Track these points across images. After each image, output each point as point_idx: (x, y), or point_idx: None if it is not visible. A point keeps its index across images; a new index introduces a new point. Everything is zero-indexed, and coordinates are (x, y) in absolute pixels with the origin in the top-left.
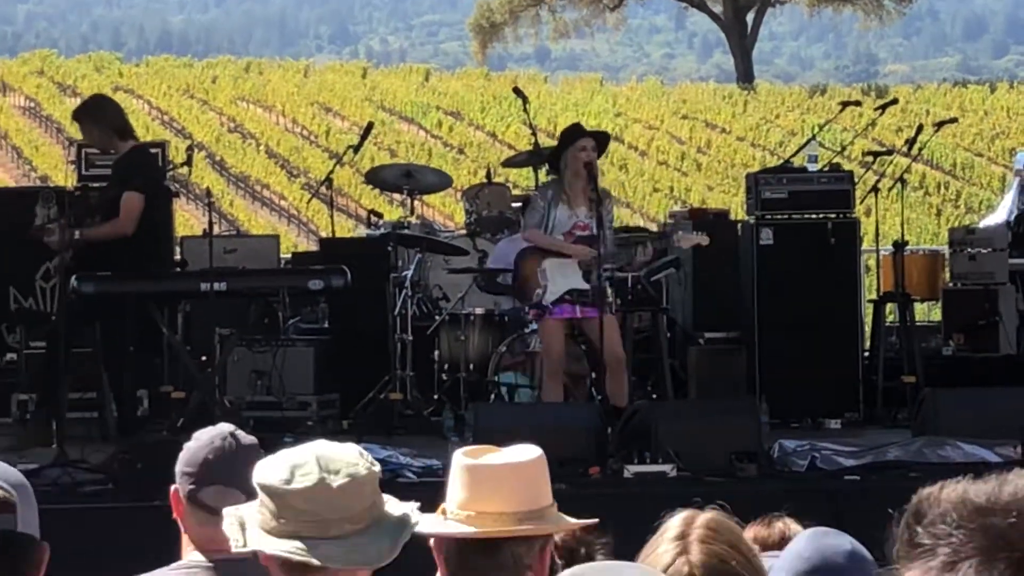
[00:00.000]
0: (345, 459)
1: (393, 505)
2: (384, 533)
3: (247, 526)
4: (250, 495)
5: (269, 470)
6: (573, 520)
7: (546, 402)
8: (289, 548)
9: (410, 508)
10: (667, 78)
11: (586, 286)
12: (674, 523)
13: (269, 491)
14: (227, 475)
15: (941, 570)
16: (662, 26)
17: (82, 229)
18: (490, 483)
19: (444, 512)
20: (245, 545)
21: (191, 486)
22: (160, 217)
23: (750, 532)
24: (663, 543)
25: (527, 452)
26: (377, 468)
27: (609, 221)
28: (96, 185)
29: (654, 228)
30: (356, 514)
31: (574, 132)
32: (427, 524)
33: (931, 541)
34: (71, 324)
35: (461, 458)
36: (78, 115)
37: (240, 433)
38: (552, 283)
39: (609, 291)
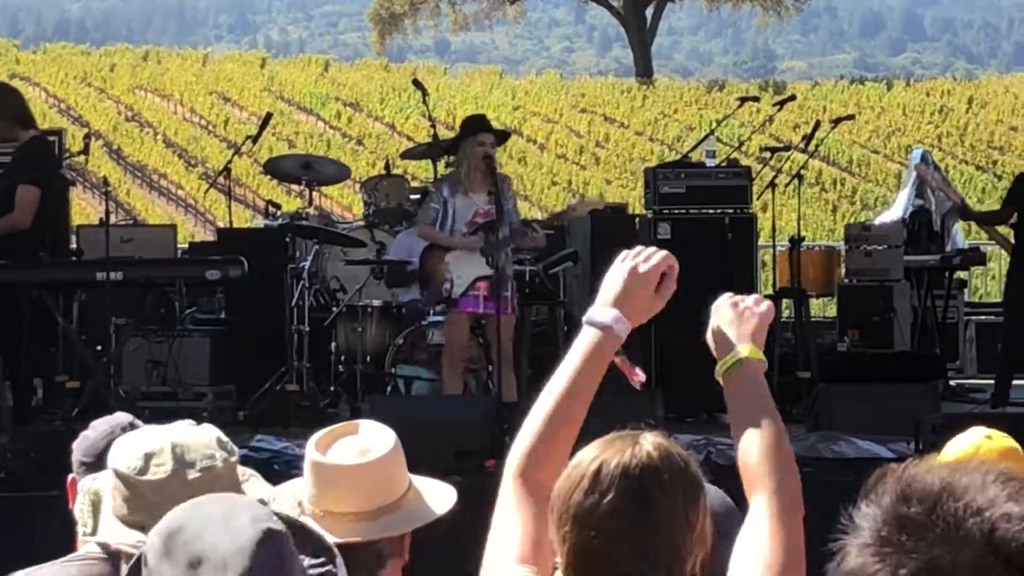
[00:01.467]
0: (202, 450)
1: (254, 489)
2: None
3: (101, 509)
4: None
5: (124, 454)
6: (431, 506)
7: (442, 395)
8: (134, 542)
9: (270, 495)
10: (566, 72)
11: (489, 271)
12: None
13: (122, 479)
14: None
15: (860, 550)
16: (562, 20)
17: None
18: (339, 483)
19: (300, 506)
20: (94, 534)
21: (89, 476)
22: (54, 207)
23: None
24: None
25: (379, 443)
26: (235, 457)
27: (510, 201)
28: None
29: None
30: None
31: (476, 124)
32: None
33: (859, 520)
34: None
35: (312, 451)
36: None
37: (138, 423)
38: (457, 276)
39: (511, 285)
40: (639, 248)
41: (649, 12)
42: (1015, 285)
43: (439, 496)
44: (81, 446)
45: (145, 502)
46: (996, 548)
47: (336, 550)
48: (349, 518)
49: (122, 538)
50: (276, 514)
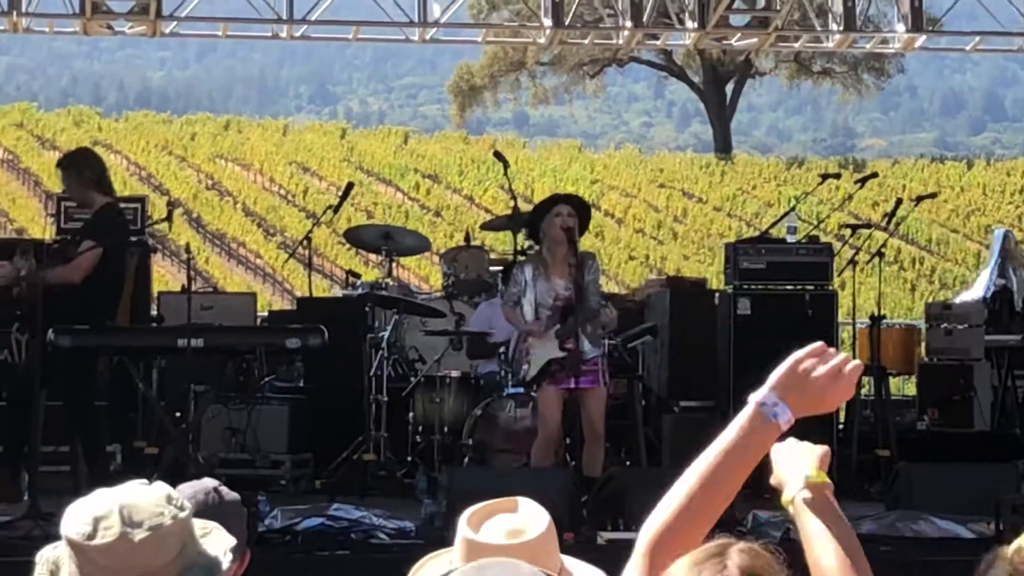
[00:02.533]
0: (150, 509)
1: (215, 541)
2: None
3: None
4: (232, 551)
5: (73, 521)
6: None
7: (520, 467)
8: None
9: (223, 549)
10: (645, 146)
11: (560, 355)
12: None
13: (72, 545)
14: None
15: None
16: (641, 94)
17: (31, 271)
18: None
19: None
20: None
21: (49, 545)
22: (120, 274)
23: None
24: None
25: (532, 524)
26: (185, 513)
27: (593, 281)
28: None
29: (626, 293)
30: (159, 568)
31: (550, 200)
32: None
33: None
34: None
35: (464, 526)
36: (62, 164)
37: (223, 488)
38: (534, 358)
39: (600, 359)
40: (818, 346)
41: (729, 88)
42: None
43: None
44: None
45: (97, 567)
46: None
47: None
48: None
49: None
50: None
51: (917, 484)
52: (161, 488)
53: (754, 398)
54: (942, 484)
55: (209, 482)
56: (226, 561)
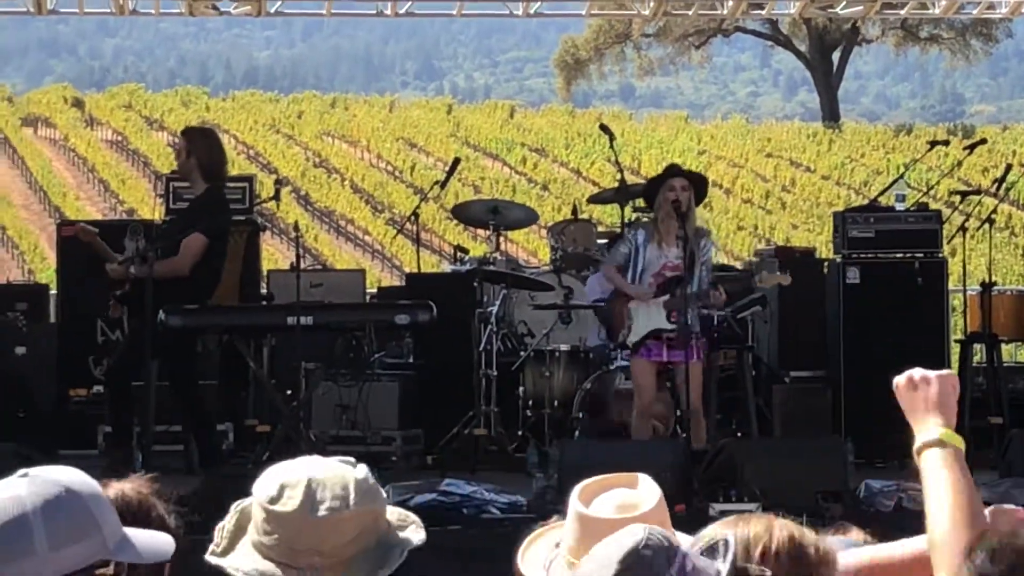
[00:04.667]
0: (336, 490)
1: (411, 533)
2: (356, 572)
3: (246, 532)
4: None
5: (265, 481)
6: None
7: (631, 439)
8: (248, 569)
9: (408, 540)
10: (752, 116)
11: (669, 326)
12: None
13: (258, 505)
14: None
15: None
16: (747, 64)
17: (139, 267)
18: (596, 535)
19: (557, 547)
20: (224, 555)
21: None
22: (220, 256)
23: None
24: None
25: (643, 499)
26: (375, 505)
27: (705, 260)
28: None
29: (739, 266)
30: (329, 549)
31: (667, 171)
32: (534, 561)
33: None
34: (141, 358)
35: (575, 500)
36: (185, 132)
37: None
38: (636, 323)
39: (696, 332)
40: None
41: (835, 56)
42: None
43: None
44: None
45: (271, 531)
46: None
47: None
48: None
49: (242, 563)
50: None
51: None
52: (361, 472)
53: (926, 441)
54: None
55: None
56: (400, 558)
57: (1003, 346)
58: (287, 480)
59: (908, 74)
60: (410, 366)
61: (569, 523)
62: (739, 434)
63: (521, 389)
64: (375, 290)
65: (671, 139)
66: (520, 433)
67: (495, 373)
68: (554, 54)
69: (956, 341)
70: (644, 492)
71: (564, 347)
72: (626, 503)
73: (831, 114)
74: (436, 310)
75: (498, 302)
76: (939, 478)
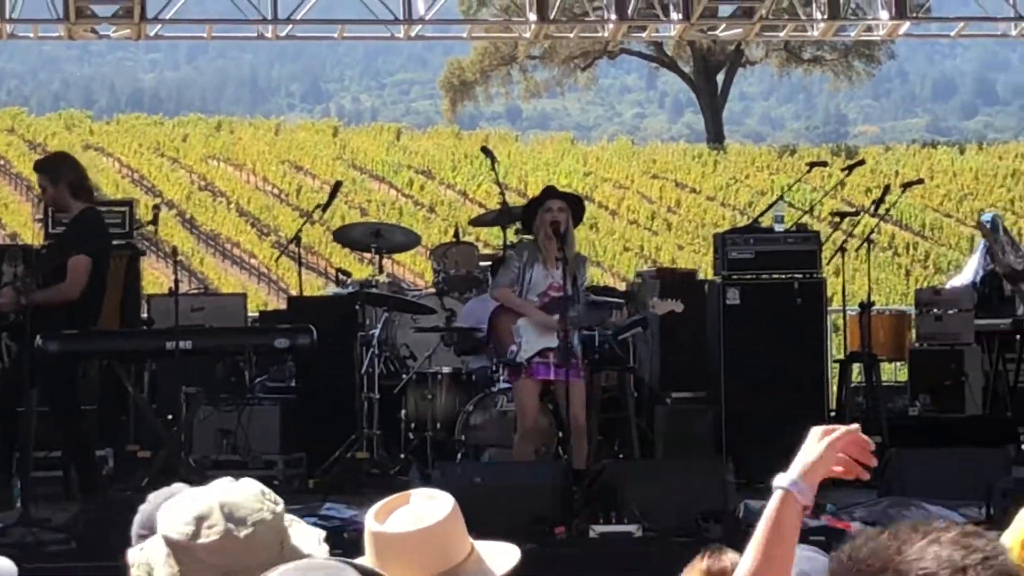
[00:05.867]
0: (250, 505)
1: (300, 535)
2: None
3: (155, 574)
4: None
5: (172, 521)
6: (492, 569)
7: (512, 461)
8: None
9: (317, 539)
10: (638, 138)
11: (553, 344)
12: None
13: (174, 545)
14: None
15: None
16: (633, 86)
17: (28, 295)
18: (395, 551)
19: None
20: None
21: (136, 547)
22: (102, 278)
23: (702, 564)
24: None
25: (436, 509)
26: (280, 507)
27: (582, 284)
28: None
29: (623, 288)
30: (263, 561)
31: (544, 194)
32: None
33: None
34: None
35: (370, 521)
36: (37, 167)
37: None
38: (526, 341)
39: (578, 352)
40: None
41: (720, 78)
42: None
43: (501, 558)
44: (139, 519)
45: (201, 565)
46: None
47: None
48: None
49: None
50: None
51: (908, 470)
52: (253, 484)
53: (781, 484)
54: (933, 470)
55: (180, 487)
56: (323, 552)
57: (882, 365)
58: (198, 512)
59: (792, 95)
60: (292, 390)
61: (367, 546)
62: (620, 456)
63: (403, 412)
64: (257, 314)
65: (557, 161)
66: (403, 456)
67: (377, 396)
68: (440, 76)
69: (835, 361)
70: (437, 504)
71: (446, 369)
72: (421, 515)
73: (716, 135)
74: (317, 333)
75: (380, 325)
76: (771, 520)
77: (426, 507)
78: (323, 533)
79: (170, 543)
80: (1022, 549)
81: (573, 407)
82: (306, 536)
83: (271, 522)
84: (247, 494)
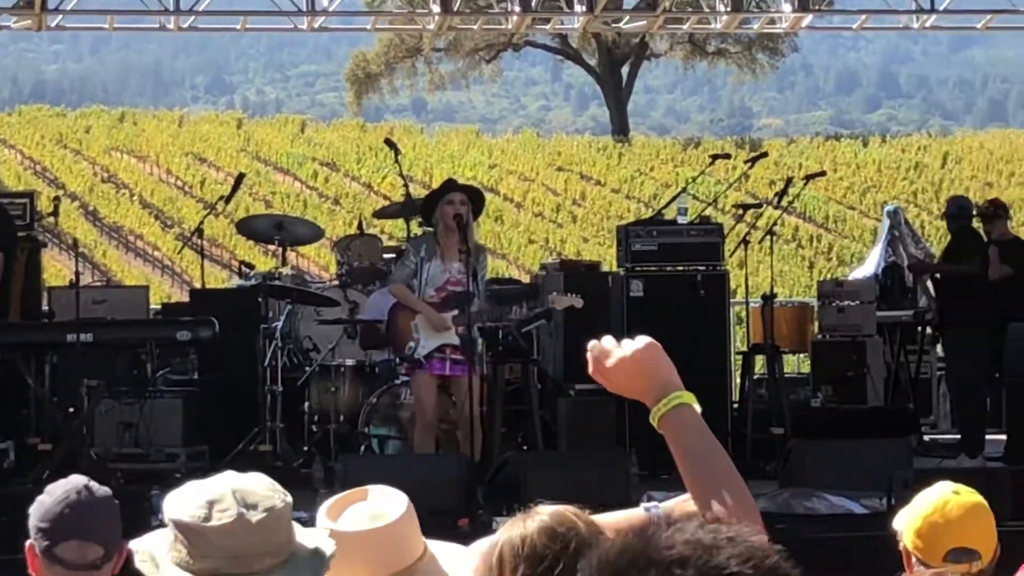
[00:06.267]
0: (261, 492)
1: (303, 535)
2: (301, 566)
3: (160, 563)
4: (108, 547)
5: (183, 506)
6: (446, 571)
7: (415, 454)
8: None
9: (320, 538)
10: (543, 130)
11: (455, 341)
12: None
13: (185, 529)
14: (84, 528)
15: None
16: (538, 78)
17: None
18: (350, 550)
19: None
20: None
21: (46, 542)
22: (9, 271)
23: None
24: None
25: (391, 509)
26: (290, 500)
27: (482, 276)
28: None
29: (527, 280)
30: (275, 548)
31: (445, 186)
32: None
33: None
34: None
35: (323, 518)
36: None
37: (94, 485)
38: (424, 337)
39: (480, 346)
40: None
41: (625, 70)
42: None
43: (456, 560)
44: (37, 511)
45: (212, 548)
46: None
47: None
48: None
49: None
50: None
51: (810, 461)
52: (264, 477)
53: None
54: (835, 461)
55: (79, 479)
56: (329, 548)
57: (785, 357)
58: (210, 496)
59: (697, 88)
60: (194, 382)
61: None
62: (524, 447)
63: (307, 404)
64: (159, 306)
65: (462, 153)
66: (306, 449)
67: (280, 389)
68: (345, 68)
69: (738, 353)
70: (389, 501)
71: (350, 362)
72: (375, 514)
73: (621, 128)
74: (220, 326)
75: (283, 317)
76: (682, 444)
77: (380, 505)
78: (327, 533)
79: (180, 526)
80: (915, 536)
81: (466, 401)
82: (316, 535)
83: (281, 511)
84: (259, 483)
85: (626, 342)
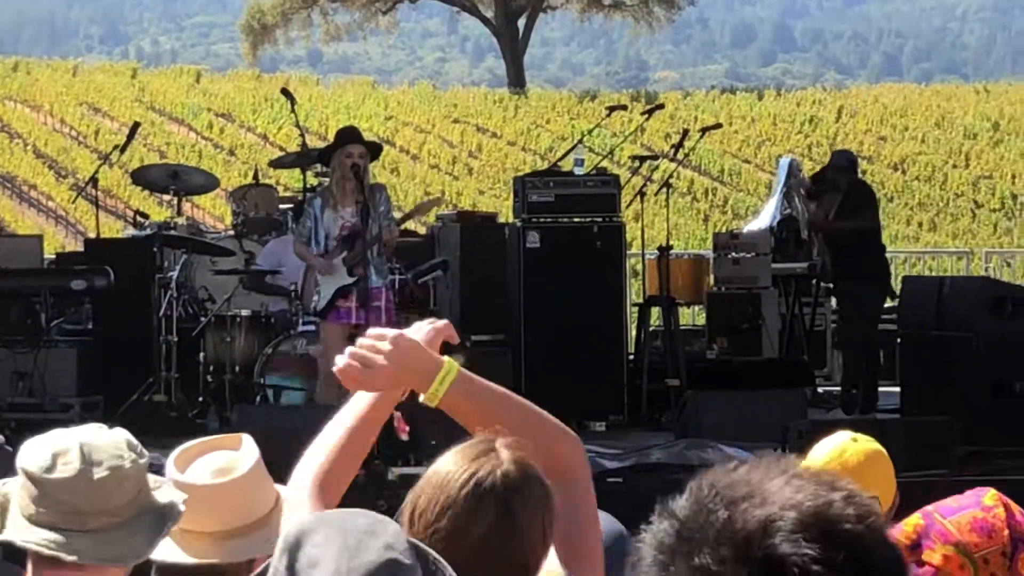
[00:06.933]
0: (111, 450)
1: (165, 493)
2: (143, 528)
3: (10, 509)
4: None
5: (32, 454)
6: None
7: (311, 404)
8: (40, 540)
9: (172, 495)
10: (439, 82)
11: (350, 280)
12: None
13: (30, 477)
14: None
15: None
16: (435, 30)
17: None
18: (195, 502)
19: None
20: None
21: None
22: None
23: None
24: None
25: (238, 463)
26: (145, 460)
27: (385, 211)
28: None
29: (423, 232)
30: (116, 508)
31: (345, 136)
32: None
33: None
34: None
35: (171, 467)
36: None
37: None
38: (324, 289)
39: (384, 293)
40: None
41: (521, 23)
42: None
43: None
44: None
45: (53, 500)
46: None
47: None
48: (205, 539)
49: (29, 536)
50: (413, 545)
51: (705, 412)
52: (123, 433)
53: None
54: (730, 412)
55: None
56: (177, 509)
57: (681, 309)
58: (57, 448)
59: (593, 41)
60: (89, 332)
61: None
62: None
63: (202, 355)
64: (54, 256)
65: (358, 104)
66: (201, 399)
67: (175, 339)
68: (240, 20)
69: (634, 305)
70: (242, 454)
71: (245, 312)
72: (222, 467)
73: (517, 80)
74: (115, 276)
75: (179, 267)
76: (487, 393)
77: (227, 457)
78: (184, 495)
79: (27, 474)
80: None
81: None
82: (172, 495)
83: (128, 470)
84: (111, 440)
85: (381, 346)
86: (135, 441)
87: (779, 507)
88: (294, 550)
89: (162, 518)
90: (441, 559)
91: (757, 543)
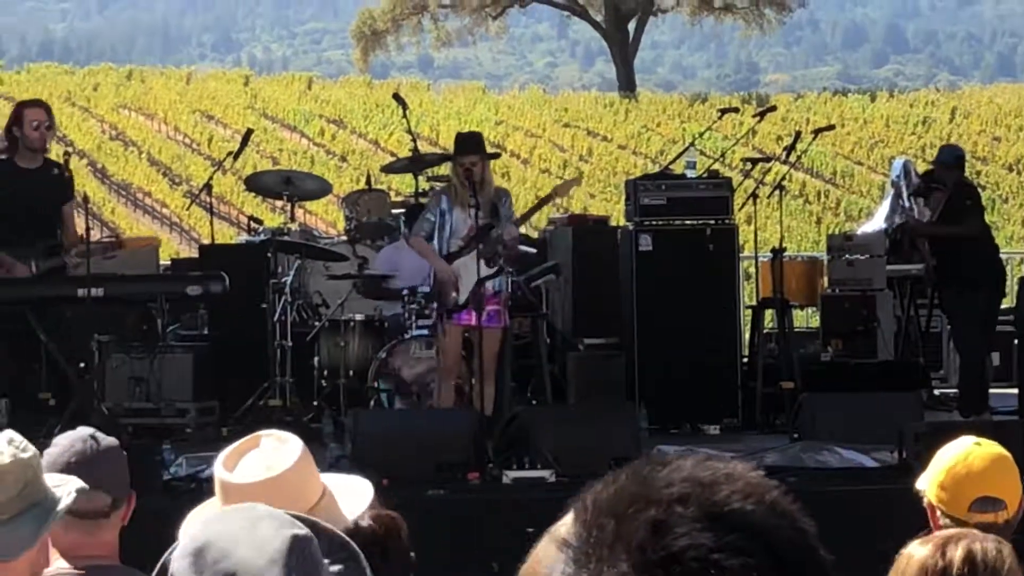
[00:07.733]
0: None
1: (60, 488)
2: (25, 524)
3: None
4: (116, 496)
5: None
6: (343, 513)
7: (425, 408)
8: None
9: (67, 490)
10: (549, 87)
11: (491, 270)
12: None
13: None
14: (91, 477)
15: None
16: (545, 35)
17: None
18: (247, 500)
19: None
20: None
21: None
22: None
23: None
24: None
25: (284, 456)
26: (28, 455)
27: (508, 217)
28: None
29: (535, 236)
30: None
31: (461, 145)
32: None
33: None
34: None
35: (219, 469)
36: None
37: (100, 435)
38: (463, 283)
39: (502, 297)
40: None
41: (632, 26)
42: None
43: (353, 497)
44: (45, 462)
45: None
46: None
47: (352, 544)
48: None
49: None
50: (295, 516)
51: (820, 415)
52: (7, 434)
53: None
54: (845, 414)
55: (85, 430)
56: (66, 500)
57: (794, 311)
58: None
59: (704, 44)
60: (204, 337)
61: (217, 493)
62: (533, 402)
63: (316, 359)
64: (169, 262)
65: (469, 109)
66: (315, 403)
67: (290, 344)
68: (351, 26)
69: (748, 307)
70: (283, 449)
71: (359, 317)
72: (269, 464)
73: (627, 84)
74: (230, 281)
75: (292, 272)
76: None
77: (275, 454)
78: (77, 485)
79: None
80: (939, 490)
81: (487, 353)
82: (58, 488)
83: (7, 467)
84: None
85: None
86: (18, 438)
87: (665, 505)
88: (201, 571)
89: (46, 512)
90: (327, 525)
91: (651, 547)
